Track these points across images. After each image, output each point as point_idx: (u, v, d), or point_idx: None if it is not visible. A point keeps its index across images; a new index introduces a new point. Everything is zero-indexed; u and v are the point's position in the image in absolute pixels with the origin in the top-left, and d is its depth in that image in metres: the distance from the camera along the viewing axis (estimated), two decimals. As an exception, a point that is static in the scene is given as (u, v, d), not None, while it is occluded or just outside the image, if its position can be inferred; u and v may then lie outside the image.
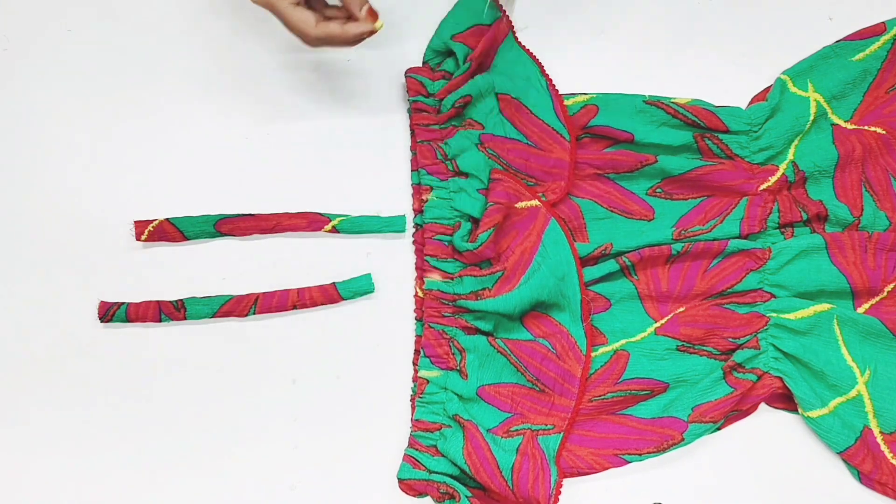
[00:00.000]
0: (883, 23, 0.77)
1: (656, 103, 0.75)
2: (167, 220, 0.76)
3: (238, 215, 0.76)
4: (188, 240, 0.76)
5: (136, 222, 0.75)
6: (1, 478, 0.74)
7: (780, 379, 0.72)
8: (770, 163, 0.76)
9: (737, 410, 0.73)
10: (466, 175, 0.75)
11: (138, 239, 0.75)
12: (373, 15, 0.67)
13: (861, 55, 0.77)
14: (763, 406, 0.74)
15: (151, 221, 0.75)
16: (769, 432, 0.74)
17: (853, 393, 0.71)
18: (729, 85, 0.78)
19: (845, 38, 0.77)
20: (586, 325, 0.72)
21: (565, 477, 0.71)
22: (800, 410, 0.72)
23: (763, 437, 0.74)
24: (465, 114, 0.75)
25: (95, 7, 0.79)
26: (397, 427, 0.74)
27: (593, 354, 0.73)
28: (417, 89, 0.75)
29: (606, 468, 0.71)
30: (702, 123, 0.75)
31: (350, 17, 0.67)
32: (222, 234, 0.76)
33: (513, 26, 0.76)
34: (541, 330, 0.72)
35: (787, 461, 0.73)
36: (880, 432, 0.71)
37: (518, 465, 0.69)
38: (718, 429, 0.73)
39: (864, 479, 0.72)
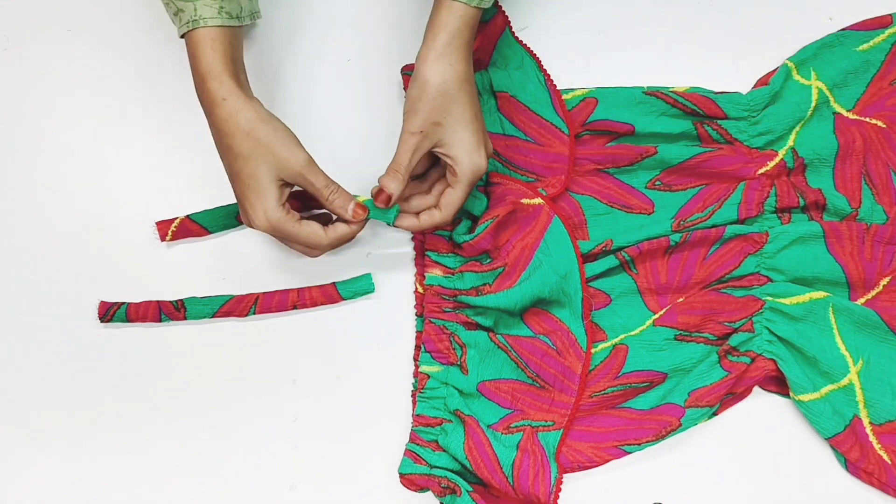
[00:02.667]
0: (889, 15, 0.77)
1: (655, 93, 0.75)
2: (188, 217, 0.75)
3: None
4: (211, 233, 0.76)
5: (157, 224, 0.75)
6: (1, 477, 0.74)
7: (774, 361, 0.72)
8: (769, 147, 0.75)
9: (731, 393, 0.72)
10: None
11: (163, 240, 0.75)
12: (361, 209, 0.68)
13: (865, 45, 0.76)
14: (757, 398, 0.74)
15: (172, 221, 0.75)
16: (764, 425, 0.73)
17: (845, 381, 0.71)
18: (728, 87, 0.77)
19: (850, 27, 0.77)
20: (587, 323, 0.72)
21: (567, 472, 0.71)
22: (791, 394, 0.72)
23: (757, 430, 0.73)
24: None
25: (95, 7, 0.79)
26: (398, 423, 0.73)
27: (593, 351, 0.73)
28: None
29: (607, 461, 0.71)
30: (701, 111, 0.75)
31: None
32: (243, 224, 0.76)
33: (509, 22, 0.76)
34: (541, 327, 0.72)
35: (779, 451, 0.73)
36: (870, 422, 0.71)
37: (518, 462, 0.69)
38: (714, 413, 0.72)
39: (851, 466, 0.72)
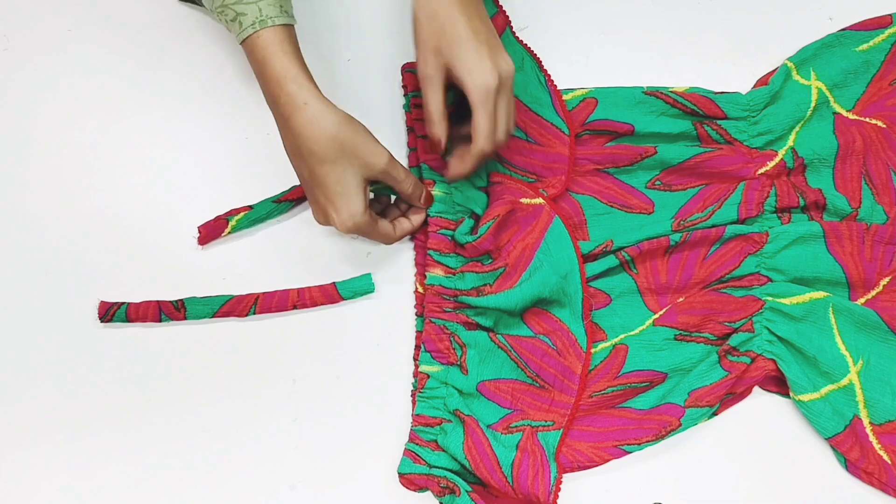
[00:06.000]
0: (889, 15, 0.77)
1: (655, 93, 0.75)
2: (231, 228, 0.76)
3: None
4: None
5: (201, 227, 0.75)
6: (1, 477, 0.74)
7: (774, 361, 0.72)
8: (769, 147, 0.76)
9: (731, 393, 0.72)
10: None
11: (202, 244, 0.76)
12: (430, 199, 0.73)
13: (865, 46, 0.77)
14: (757, 398, 0.74)
15: (220, 226, 0.75)
16: (764, 425, 0.73)
17: (845, 381, 0.71)
18: (728, 86, 0.78)
19: (850, 28, 0.77)
20: (587, 323, 0.72)
21: (566, 472, 0.71)
22: (791, 394, 0.72)
23: (757, 430, 0.73)
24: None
25: (95, 7, 0.79)
26: (398, 422, 0.73)
27: (593, 351, 0.73)
28: (415, 85, 0.75)
29: (607, 460, 0.71)
30: (700, 112, 0.75)
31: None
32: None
33: (510, 22, 0.76)
34: (541, 327, 0.72)
35: (778, 450, 0.73)
36: (870, 422, 0.71)
37: (518, 462, 0.69)
38: (714, 413, 0.72)
39: (851, 466, 0.72)
